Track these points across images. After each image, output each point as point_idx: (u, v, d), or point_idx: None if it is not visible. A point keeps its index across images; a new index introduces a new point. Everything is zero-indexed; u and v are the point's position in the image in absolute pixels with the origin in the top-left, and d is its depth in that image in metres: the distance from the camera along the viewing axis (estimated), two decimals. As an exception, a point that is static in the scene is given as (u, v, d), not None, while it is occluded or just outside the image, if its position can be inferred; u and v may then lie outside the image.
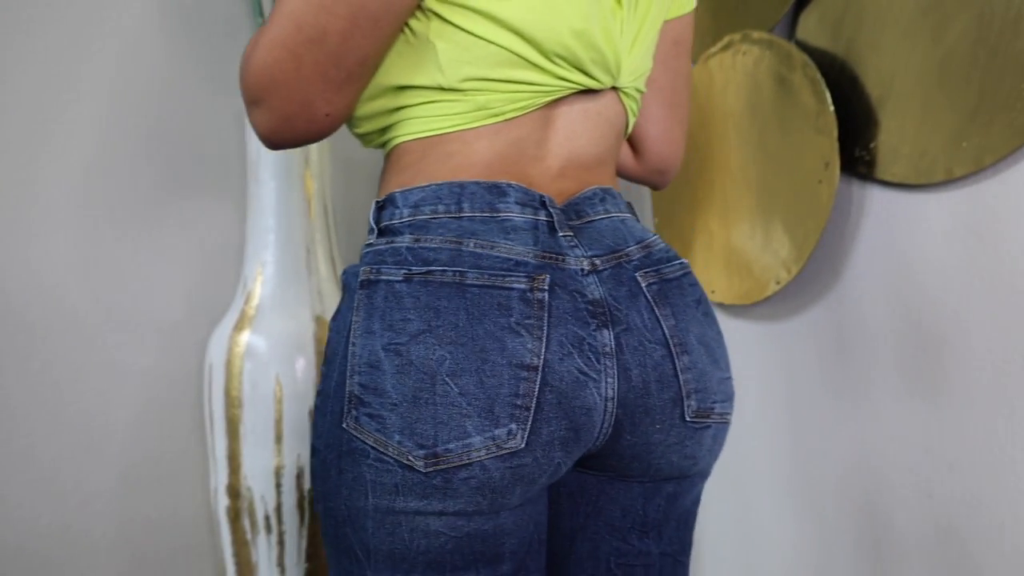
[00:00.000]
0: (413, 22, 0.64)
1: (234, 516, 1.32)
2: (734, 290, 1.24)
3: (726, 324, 1.34)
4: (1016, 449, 0.88)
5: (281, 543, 1.32)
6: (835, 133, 1.04)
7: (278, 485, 1.30)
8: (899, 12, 0.99)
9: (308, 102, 0.61)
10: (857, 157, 1.05)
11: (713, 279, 1.29)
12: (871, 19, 1.03)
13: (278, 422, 1.29)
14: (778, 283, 1.14)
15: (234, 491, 1.31)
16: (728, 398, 0.70)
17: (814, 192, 1.07)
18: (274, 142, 0.64)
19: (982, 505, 0.92)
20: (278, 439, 1.30)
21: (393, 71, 0.65)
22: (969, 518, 0.94)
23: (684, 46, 0.84)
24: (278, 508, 1.31)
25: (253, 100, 0.61)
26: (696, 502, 0.76)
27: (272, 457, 1.29)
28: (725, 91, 1.23)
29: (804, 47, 1.13)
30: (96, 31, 1.38)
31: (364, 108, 0.68)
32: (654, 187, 0.91)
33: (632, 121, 0.77)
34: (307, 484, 1.32)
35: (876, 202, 1.05)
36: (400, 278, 0.61)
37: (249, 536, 1.32)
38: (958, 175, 0.92)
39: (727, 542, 1.37)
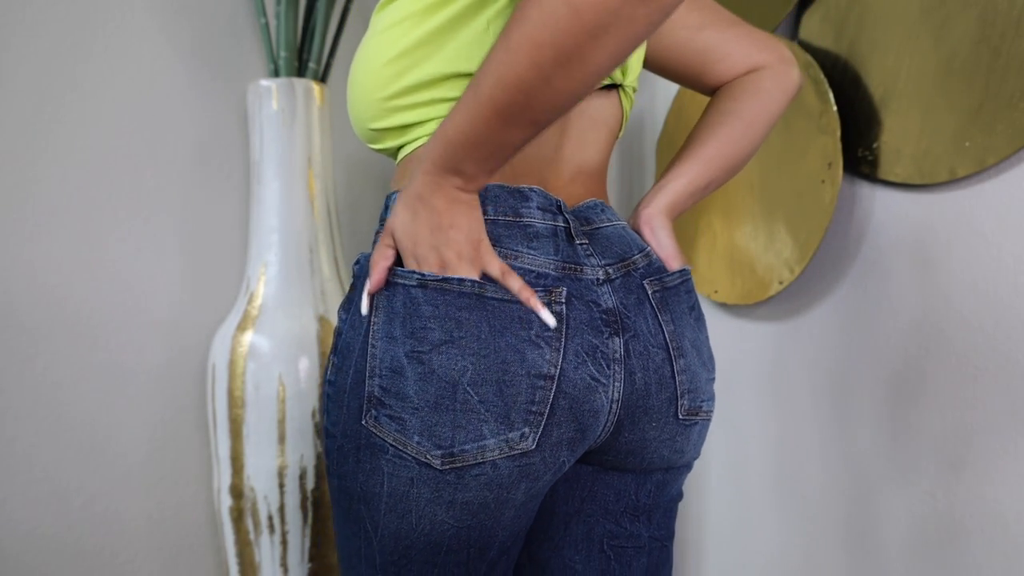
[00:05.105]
0: (493, 14, 0.64)
1: (237, 516, 1.32)
2: (737, 290, 1.24)
3: (729, 324, 1.34)
4: (1019, 448, 0.88)
5: (284, 543, 1.32)
6: (838, 133, 1.04)
7: (281, 485, 1.30)
8: (902, 12, 0.99)
9: None
10: (860, 157, 1.05)
11: (716, 279, 1.29)
12: (874, 19, 1.03)
13: (281, 422, 1.29)
14: (781, 283, 1.14)
15: (237, 491, 1.31)
16: (712, 397, 0.75)
17: (817, 192, 1.08)
18: None
19: (986, 504, 0.92)
20: (281, 439, 1.30)
21: (456, 58, 0.65)
22: (972, 517, 0.94)
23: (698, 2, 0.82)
24: (281, 508, 1.31)
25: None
26: (680, 493, 0.81)
27: (275, 457, 1.29)
28: (728, 91, 1.23)
29: (807, 47, 1.13)
30: (98, 30, 1.38)
31: (394, 118, 0.69)
32: (798, 83, 0.82)
33: (625, 124, 0.80)
34: (310, 484, 1.32)
35: (879, 202, 1.05)
36: (415, 283, 0.62)
37: (252, 536, 1.32)
38: (961, 175, 0.92)
39: (729, 538, 1.37)
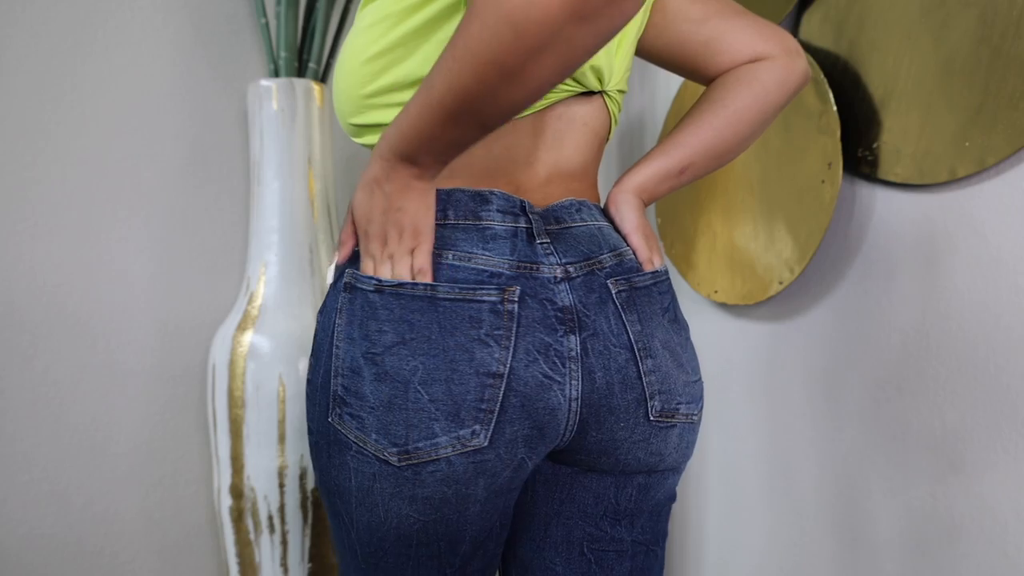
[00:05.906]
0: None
1: (237, 516, 1.32)
2: (737, 290, 1.24)
3: (729, 324, 1.34)
4: (1019, 449, 0.88)
5: (284, 543, 1.32)
6: (838, 133, 1.04)
7: (281, 485, 1.30)
8: (902, 12, 0.99)
9: None
10: (860, 157, 1.05)
11: (716, 279, 1.29)
12: (874, 19, 1.03)
13: (281, 422, 1.29)
14: (781, 283, 1.14)
15: (237, 491, 1.31)
16: (695, 400, 0.74)
17: (817, 192, 1.08)
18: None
19: (985, 506, 0.92)
20: (281, 439, 1.30)
21: (430, 62, 0.66)
22: (972, 519, 0.94)
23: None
24: (281, 508, 1.31)
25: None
26: (670, 496, 0.80)
27: (275, 457, 1.29)
28: (728, 91, 1.23)
29: (807, 47, 1.13)
30: (98, 31, 1.38)
31: (372, 116, 0.70)
32: (803, 75, 0.79)
33: (614, 126, 0.80)
34: (310, 484, 1.32)
35: (879, 202, 1.05)
36: (371, 288, 0.64)
37: (252, 536, 1.32)
38: (961, 175, 0.92)
39: (728, 538, 1.37)
